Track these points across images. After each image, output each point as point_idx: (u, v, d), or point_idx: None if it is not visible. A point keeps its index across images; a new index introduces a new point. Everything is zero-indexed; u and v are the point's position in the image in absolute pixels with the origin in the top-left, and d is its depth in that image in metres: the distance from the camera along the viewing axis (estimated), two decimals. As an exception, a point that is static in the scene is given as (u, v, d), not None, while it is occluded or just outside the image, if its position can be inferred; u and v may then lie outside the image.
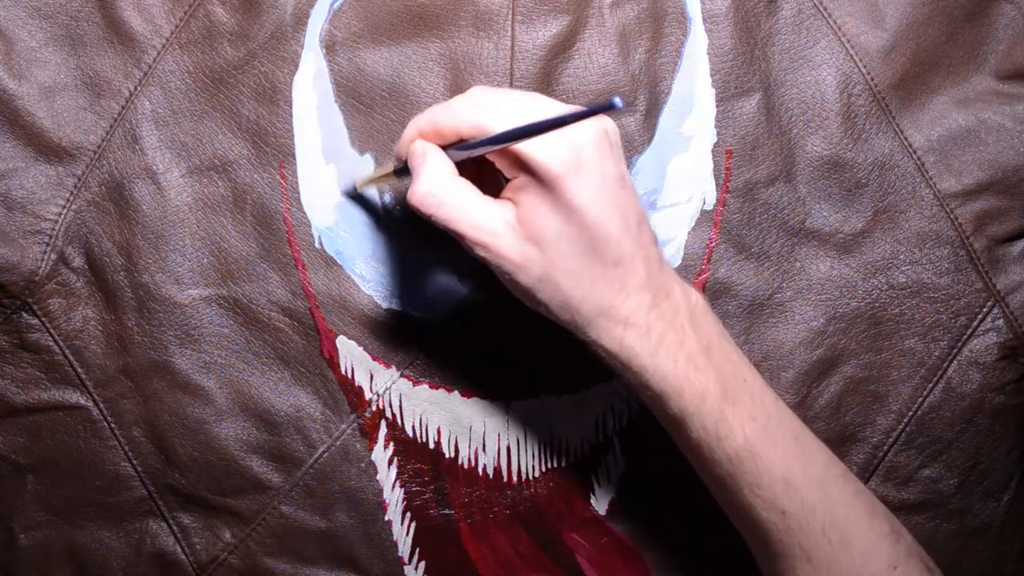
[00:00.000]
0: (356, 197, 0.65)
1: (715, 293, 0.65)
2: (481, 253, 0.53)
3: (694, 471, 0.65)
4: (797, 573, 0.55)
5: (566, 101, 0.64)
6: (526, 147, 0.52)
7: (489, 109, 0.53)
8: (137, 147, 0.64)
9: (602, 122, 0.54)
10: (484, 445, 0.65)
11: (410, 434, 0.65)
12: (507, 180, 0.54)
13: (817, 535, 0.54)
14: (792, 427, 0.56)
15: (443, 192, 0.53)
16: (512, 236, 0.53)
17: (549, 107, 0.54)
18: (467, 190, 0.54)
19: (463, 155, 0.55)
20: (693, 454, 0.56)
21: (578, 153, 0.52)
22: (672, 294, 0.55)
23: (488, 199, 0.54)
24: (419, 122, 0.56)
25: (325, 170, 0.64)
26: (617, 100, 0.45)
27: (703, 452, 0.55)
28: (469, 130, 0.54)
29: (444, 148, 0.55)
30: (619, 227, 0.53)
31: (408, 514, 0.65)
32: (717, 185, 0.65)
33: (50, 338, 0.65)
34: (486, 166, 0.56)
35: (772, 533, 0.55)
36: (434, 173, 0.54)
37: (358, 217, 0.65)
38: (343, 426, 0.65)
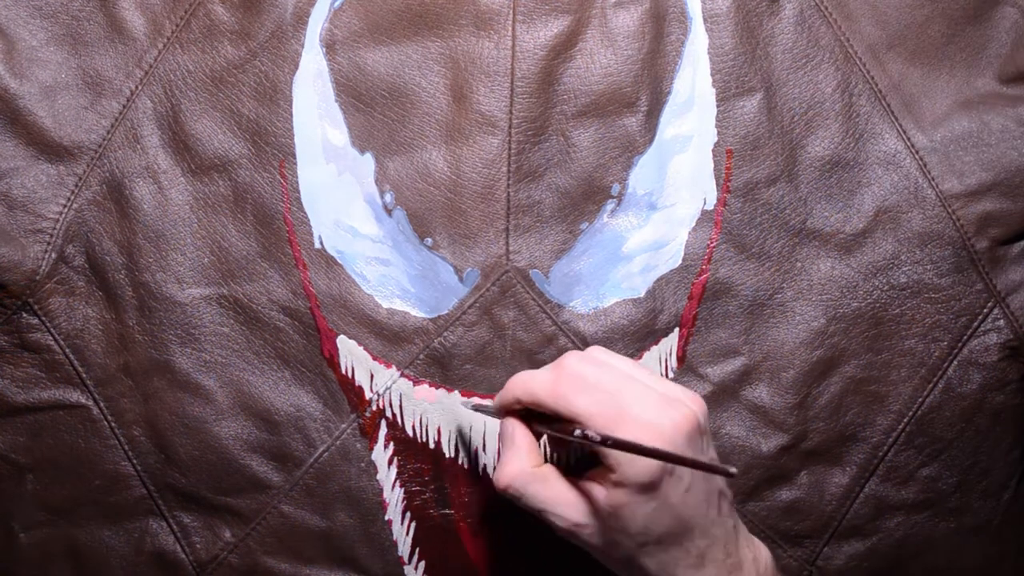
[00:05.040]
0: None
1: (715, 293, 0.65)
2: (568, 537, 0.56)
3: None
4: None
5: (567, 102, 0.64)
6: (621, 456, 0.52)
7: (594, 404, 0.54)
8: (138, 146, 0.64)
9: (695, 411, 0.54)
10: (484, 445, 0.65)
11: (410, 434, 0.65)
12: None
13: None
14: None
15: (524, 484, 0.55)
16: (598, 525, 0.54)
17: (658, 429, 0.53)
18: (549, 480, 0.56)
19: (555, 435, 0.56)
20: None
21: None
22: (742, 567, 0.56)
23: (572, 487, 0.55)
24: (517, 389, 0.57)
25: (325, 169, 0.64)
26: (733, 469, 0.47)
27: None
28: (568, 417, 0.54)
29: (537, 420, 0.57)
30: (704, 515, 0.54)
31: (408, 514, 0.65)
32: (718, 185, 0.65)
33: (50, 337, 0.65)
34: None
35: None
36: (517, 462, 0.56)
37: (359, 217, 0.65)
38: (343, 426, 0.65)
